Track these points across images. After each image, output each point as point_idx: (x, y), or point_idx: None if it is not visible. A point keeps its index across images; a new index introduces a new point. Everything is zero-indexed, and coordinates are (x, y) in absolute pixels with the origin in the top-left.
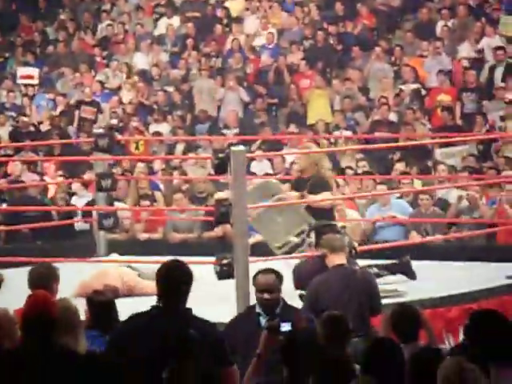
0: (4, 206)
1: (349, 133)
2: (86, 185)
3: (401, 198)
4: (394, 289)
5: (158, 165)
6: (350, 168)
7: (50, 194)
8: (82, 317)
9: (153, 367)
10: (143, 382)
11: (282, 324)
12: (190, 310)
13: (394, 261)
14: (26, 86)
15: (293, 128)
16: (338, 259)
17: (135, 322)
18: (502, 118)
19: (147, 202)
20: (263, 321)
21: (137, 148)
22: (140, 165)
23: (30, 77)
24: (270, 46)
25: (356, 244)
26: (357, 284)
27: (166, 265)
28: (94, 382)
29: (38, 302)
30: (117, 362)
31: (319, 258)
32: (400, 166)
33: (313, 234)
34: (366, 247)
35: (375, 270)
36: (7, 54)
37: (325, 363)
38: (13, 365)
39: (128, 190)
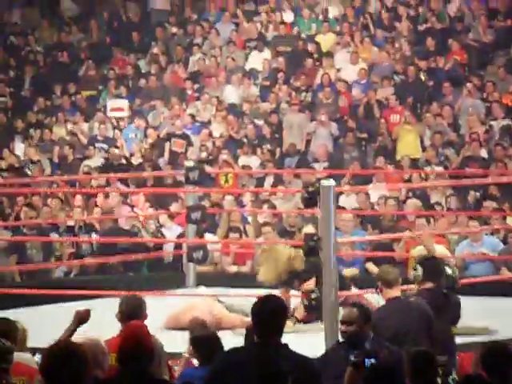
0: (95, 236)
1: (440, 168)
2: (172, 217)
3: (492, 234)
4: (486, 327)
5: (247, 198)
6: (439, 204)
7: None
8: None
9: None
10: None
11: (367, 359)
12: (286, 345)
13: None
14: (117, 119)
15: (381, 163)
16: (392, 292)
17: (232, 356)
18: None
19: (236, 235)
20: (352, 356)
21: (226, 181)
22: (229, 198)
23: (120, 109)
24: (361, 81)
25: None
26: (414, 315)
27: (261, 299)
28: None
29: (135, 334)
30: None
31: (426, 291)
32: (491, 203)
33: (419, 267)
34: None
35: None
36: (100, 87)
37: None
38: None
39: (219, 222)
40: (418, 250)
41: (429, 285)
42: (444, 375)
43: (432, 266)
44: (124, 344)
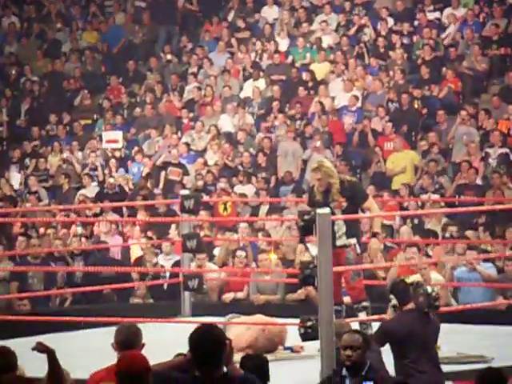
0: (84, 266)
1: (436, 196)
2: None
3: (488, 261)
4: (481, 354)
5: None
6: (433, 232)
7: (135, 255)
8: None
9: None
10: None
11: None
12: (226, 373)
13: None
14: (112, 149)
15: (376, 191)
16: None
17: None
18: None
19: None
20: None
21: (225, 209)
22: (242, 225)
23: (115, 141)
24: (354, 109)
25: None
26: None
27: (200, 329)
28: None
29: (134, 362)
30: None
31: (407, 312)
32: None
33: (392, 296)
34: (448, 308)
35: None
36: (95, 116)
37: None
38: None
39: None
40: (414, 279)
41: (409, 306)
42: None
43: (401, 288)
44: (123, 372)
